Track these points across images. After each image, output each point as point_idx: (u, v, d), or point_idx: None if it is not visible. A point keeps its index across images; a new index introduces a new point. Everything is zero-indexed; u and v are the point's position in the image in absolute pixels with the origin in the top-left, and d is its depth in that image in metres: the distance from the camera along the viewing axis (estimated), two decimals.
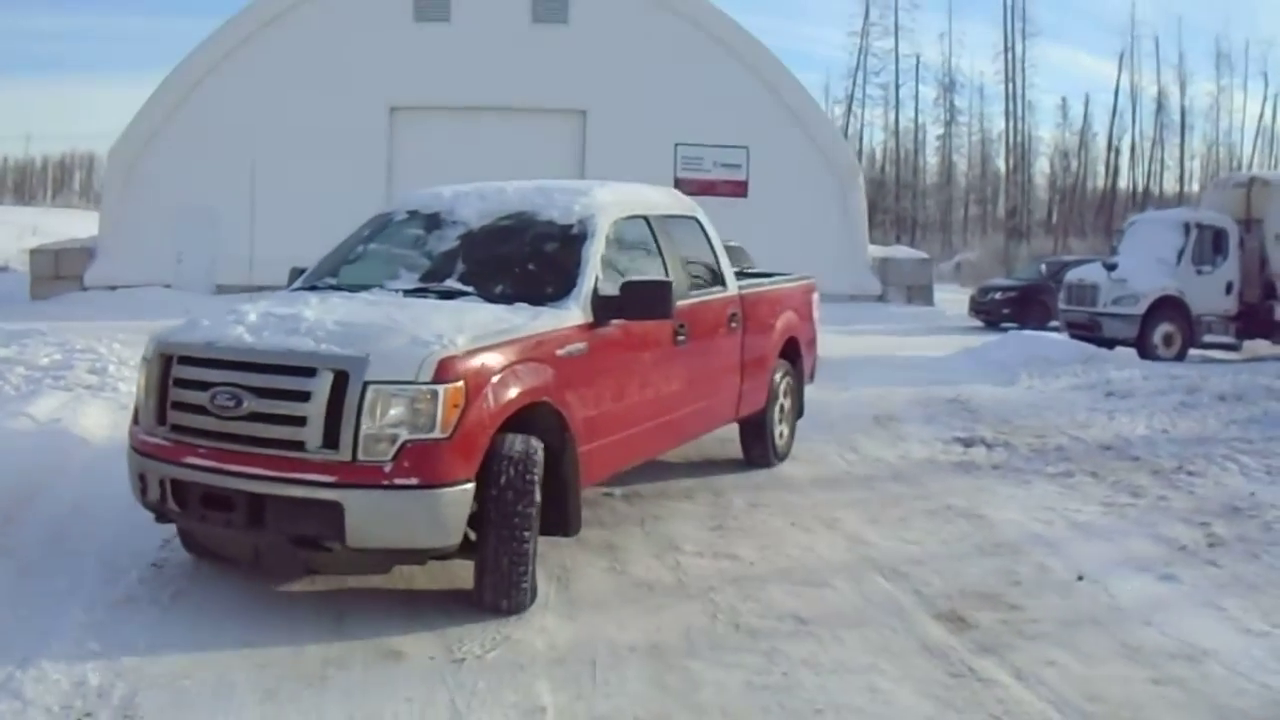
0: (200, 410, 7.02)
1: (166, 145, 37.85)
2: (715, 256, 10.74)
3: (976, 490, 11.04)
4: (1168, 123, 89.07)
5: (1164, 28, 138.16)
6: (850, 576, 8.19)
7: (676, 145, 40.47)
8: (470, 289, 8.22)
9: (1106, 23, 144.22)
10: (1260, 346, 27.22)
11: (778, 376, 11.75)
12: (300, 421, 6.72)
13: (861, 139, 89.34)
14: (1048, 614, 7.45)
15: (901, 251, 46.28)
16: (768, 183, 39.89)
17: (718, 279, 10.63)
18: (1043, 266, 37.40)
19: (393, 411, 6.67)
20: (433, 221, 9.37)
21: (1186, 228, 26.08)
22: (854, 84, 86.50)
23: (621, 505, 10.13)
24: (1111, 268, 25.92)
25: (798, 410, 12.53)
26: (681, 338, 9.37)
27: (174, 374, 7.23)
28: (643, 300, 8.27)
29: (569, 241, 8.66)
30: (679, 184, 38.07)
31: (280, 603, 7.40)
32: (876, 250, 43.23)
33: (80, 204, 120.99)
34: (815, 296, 13.17)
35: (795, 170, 40.11)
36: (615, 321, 8.29)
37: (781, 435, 12.05)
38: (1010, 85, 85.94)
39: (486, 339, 7.15)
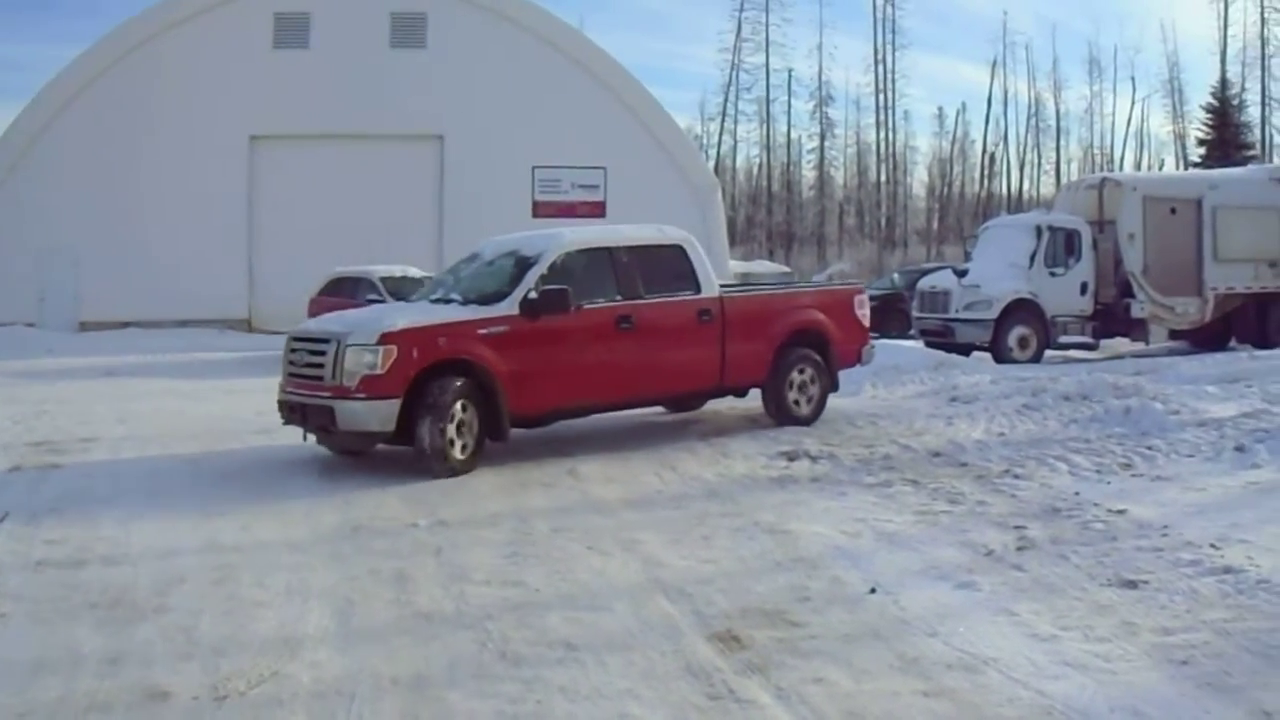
0: (293, 364, 13.47)
1: (25, 180, 37.29)
2: (692, 271, 14.95)
3: (790, 505, 10.91)
4: (1044, 128, 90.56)
5: (1037, 35, 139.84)
6: (633, 599, 8.04)
7: (534, 168, 40.55)
8: (458, 298, 13.98)
9: (980, 32, 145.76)
10: (1120, 344, 27.56)
11: (788, 359, 15.56)
12: (321, 366, 12.83)
13: (735, 154, 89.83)
14: (829, 629, 7.30)
15: (763, 265, 46.65)
16: (626, 201, 39.69)
17: (690, 285, 14.85)
18: (895, 275, 37.56)
19: (358, 360, 12.49)
20: (473, 257, 15.27)
21: (1038, 231, 26.35)
22: (726, 100, 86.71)
23: (424, 535, 9.99)
24: (962, 274, 26.08)
25: (828, 386, 16.10)
26: (626, 325, 14.04)
27: (289, 346, 13.75)
28: (551, 301, 13.30)
29: (524, 266, 13.82)
30: (537, 207, 38.36)
31: (66, 646, 7.20)
32: (738, 265, 43.35)
33: None
34: (860, 299, 16.87)
35: (653, 188, 40.05)
36: (547, 314, 13.29)
37: (798, 403, 15.70)
38: (882, 96, 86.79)
39: (419, 323, 13.05)
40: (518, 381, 13.03)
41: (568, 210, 40.05)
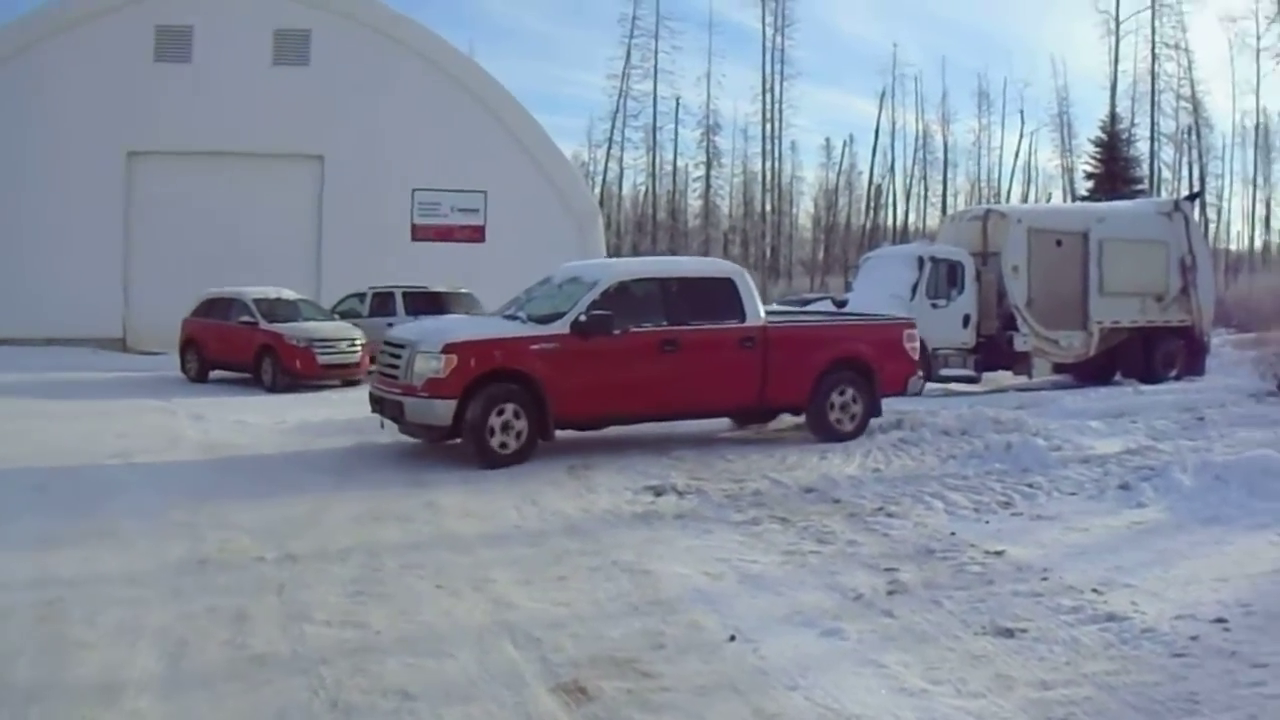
0: (381, 364, 16.39)
1: None
2: (740, 301, 16.78)
3: (652, 543, 10.59)
4: (931, 160, 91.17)
5: (927, 67, 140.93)
6: (479, 644, 7.67)
7: (414, 190, 40.09)
8: (523, 315, 16.22)
9: (870, 64, 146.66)
10: (1003, 378, 27.48)
11: (831, 383, 17.19)
12: (398, 368, 15.46)
13: (622, 181, 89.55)
14: (683, 681, 6.94)
15: None
16: (506, 226, 39.89)
17: (736, 314, 16.70)
18: (776, 305, 37.41)
19: (425, 365, 14.97)
20: (546, 281, 17.49)
21: (920, 262, 26.17)
22: (613, 127, 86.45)
23: (270, 570, 9.61)
24: (842, 305, 25.86)
25: (870, 409, 17.52)
26: (670, 347, 16.00)
27: (381, 349, 16.66)
28: (597, 324, 15.44)
29: (580, 291, 16.03)
30: (416, 230, 38.08)
31: None
32: None
33: None
34: (910, 333, 18.61)
35: (534, 213, 40.10)
36: (595, 334, 15.42)
37: (840, 422, 17.21)
38: (769, 126, 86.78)
39: (478, 336, 15.61)
40: (565, 391, 15.28)
41: (446, 234, 40.04)
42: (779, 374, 16.81)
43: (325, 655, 7.43)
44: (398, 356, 15.60)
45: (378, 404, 16.04)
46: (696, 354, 16.21)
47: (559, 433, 15.74)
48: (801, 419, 17.91)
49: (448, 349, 14.98)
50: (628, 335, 15.74)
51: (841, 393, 17.25)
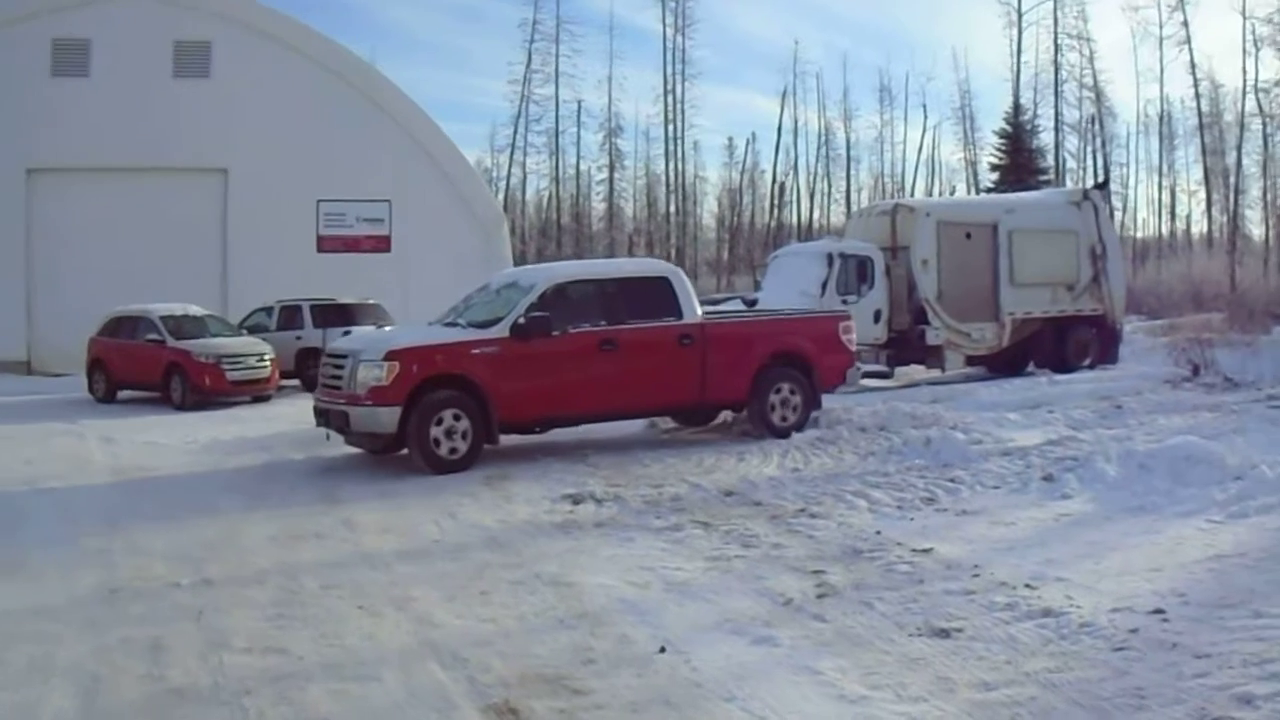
0: (324, 376, 16.37)
1: None
2: (676, 300, 17.08)
3: (574, 553, 10.43)
4: (834, 157, 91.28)
5: (828, 65, 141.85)
6: (404, 666, 7.46)
7: (319, 202, 39.64)
8: (463, 322, 16.60)
9: (771, 63, 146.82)
10: (916, 372, 27.48)
11: (771, 378, 17.48)
12: (341, 379, 15.62)
13: (526, 187, 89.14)
14: (615, 696, 6.75)
15: None
16: (412, 235, 39.64)
17: (673, 312, 16.99)
18: None
19: (368, 373, 15.20)
20: (484, 288, 18.00)
21: (829, 258, 26.14)
22: (516, 132, 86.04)
23: (186, 596, 9.35)
24: (752, 304, 25.71)
25: (810, 403, 17.83)
26: (609, 347, 16.36)
27: (323, 361, 16.91)
28: (535, 325, 15.75)
29: (518, 295, 16.40)
30: (322, 241, 37.74)
31: None
32: None
33: None
34: (845, 324, 18.78)
35: (439, 221, 39.96)
36: (534, 337, 15.71)
37: (783, 419, 17.46)
38: (671, 127, 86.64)
39: (420, 343, 15.92)
40: (507, 394, 15.61)
41: (353, 244, 39.70)
42: (718, 370, 17.08)
43: (247, 685, 7.19)
44: (340, 367, 15.80)
45: (322, 416, 16.19)
46: (636, 353, 16.57)
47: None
48: (730, 417, 18.46)
49: (390, 356, 15.29)
50: (567, 336, 16.05)
51: (784, 388, 17.52)
